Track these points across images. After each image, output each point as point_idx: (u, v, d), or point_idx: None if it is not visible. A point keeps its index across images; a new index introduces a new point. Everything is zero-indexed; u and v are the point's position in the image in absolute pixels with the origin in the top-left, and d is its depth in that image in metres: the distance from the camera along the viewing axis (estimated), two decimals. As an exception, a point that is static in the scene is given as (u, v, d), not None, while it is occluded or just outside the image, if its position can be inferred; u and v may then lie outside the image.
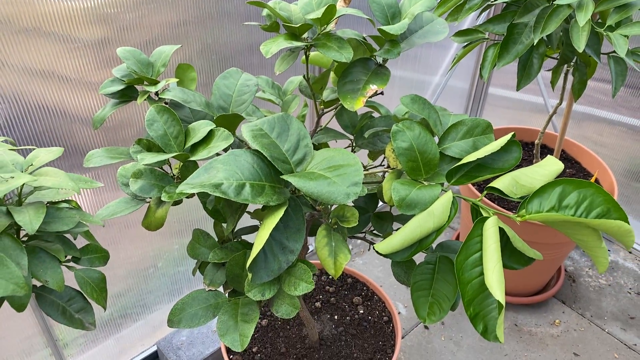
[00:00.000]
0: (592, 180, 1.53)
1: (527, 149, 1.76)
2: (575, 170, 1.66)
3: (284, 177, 0.67)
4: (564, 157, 1.72)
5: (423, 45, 1.85)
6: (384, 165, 1.07)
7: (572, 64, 1.15)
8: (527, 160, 1.70)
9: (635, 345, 1.63)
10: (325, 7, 0.70)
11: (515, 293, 1.72)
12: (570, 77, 1.28)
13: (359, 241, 2.01)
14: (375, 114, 1.02)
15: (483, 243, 0.69)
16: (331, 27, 0.79)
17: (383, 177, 0.93)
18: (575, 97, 1.16)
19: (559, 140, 1.43)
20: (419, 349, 1.60)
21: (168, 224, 1.40)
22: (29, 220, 0.53)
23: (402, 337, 1.64)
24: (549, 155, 0.79)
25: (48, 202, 0.65)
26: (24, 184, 0.58)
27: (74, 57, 1.06)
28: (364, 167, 1.11)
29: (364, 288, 1.30)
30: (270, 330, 1.24)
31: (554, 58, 1.18)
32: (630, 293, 1.80)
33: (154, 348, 1.54)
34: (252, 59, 1.38)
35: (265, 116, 1.07)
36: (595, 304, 1.76)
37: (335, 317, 1.24)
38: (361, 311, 1.25)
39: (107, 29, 1.09)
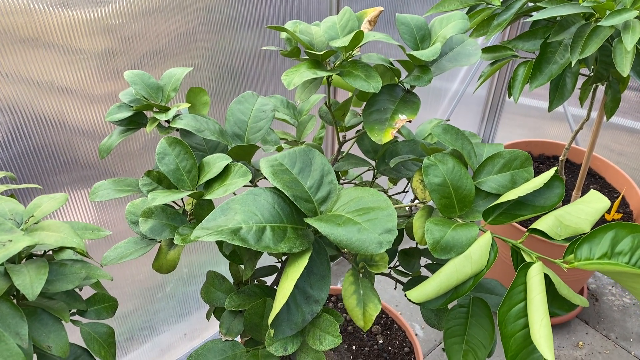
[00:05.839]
0: (619, 198, 1.46)
1: (549, 163, 1.69)
2: (599, 186, 1.59)
3: (308, 220, 0.61)
4: (588, 172, 1.65)
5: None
6: (407, 191, 1.01)
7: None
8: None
9: (663, 368, 1.56)
10: (353, 34, 0.64)
11: (536, 312, 1.65)
12: (597, 91, 1.21)
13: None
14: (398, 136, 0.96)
15: (527, 293, 0.63)
16: (356, 51, 0.73)
17: (410, 210, 0.87)
18: (608, 116, 1.10)
19: (586, 157, 1.36)
20: (437, 372, 1.53)
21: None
22: (30, 284, 0.47)
23: (419, 360, 1.57)
24: (592, 190, 0.73)
25: (51, 250, 0.59)
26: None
27: (77, 69, 1.00)
28: (385, 191, 1.04)
29: (383, 316, 1.24)
30: (283, 358, 1.18)
31: (583, 75, 1.12)
32: (655, 312, 1.74)
33: (163, 373, 1.48)
34: (265, 66, 1.31)
35: (280, 138, 1.01)
36: (620, 324, 1.69)
37: (353, 347, 1.18)
38: (380, 341, 1.18)
39: (112, 40, 1.03)
